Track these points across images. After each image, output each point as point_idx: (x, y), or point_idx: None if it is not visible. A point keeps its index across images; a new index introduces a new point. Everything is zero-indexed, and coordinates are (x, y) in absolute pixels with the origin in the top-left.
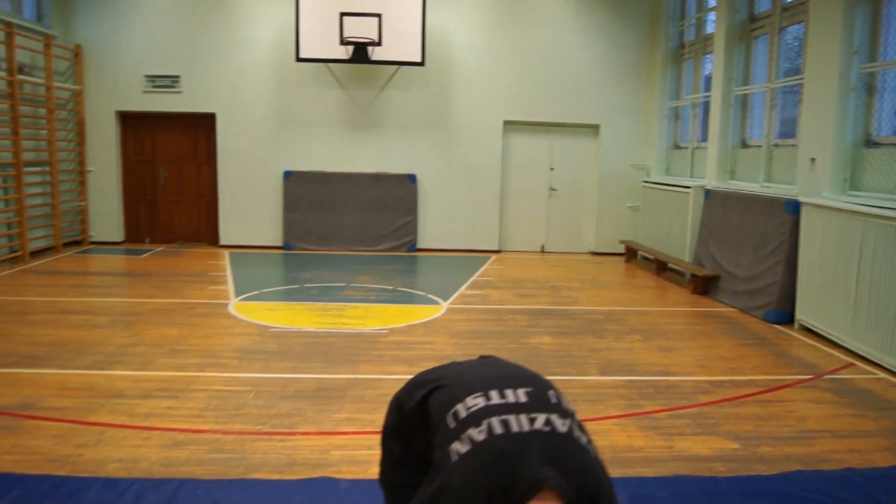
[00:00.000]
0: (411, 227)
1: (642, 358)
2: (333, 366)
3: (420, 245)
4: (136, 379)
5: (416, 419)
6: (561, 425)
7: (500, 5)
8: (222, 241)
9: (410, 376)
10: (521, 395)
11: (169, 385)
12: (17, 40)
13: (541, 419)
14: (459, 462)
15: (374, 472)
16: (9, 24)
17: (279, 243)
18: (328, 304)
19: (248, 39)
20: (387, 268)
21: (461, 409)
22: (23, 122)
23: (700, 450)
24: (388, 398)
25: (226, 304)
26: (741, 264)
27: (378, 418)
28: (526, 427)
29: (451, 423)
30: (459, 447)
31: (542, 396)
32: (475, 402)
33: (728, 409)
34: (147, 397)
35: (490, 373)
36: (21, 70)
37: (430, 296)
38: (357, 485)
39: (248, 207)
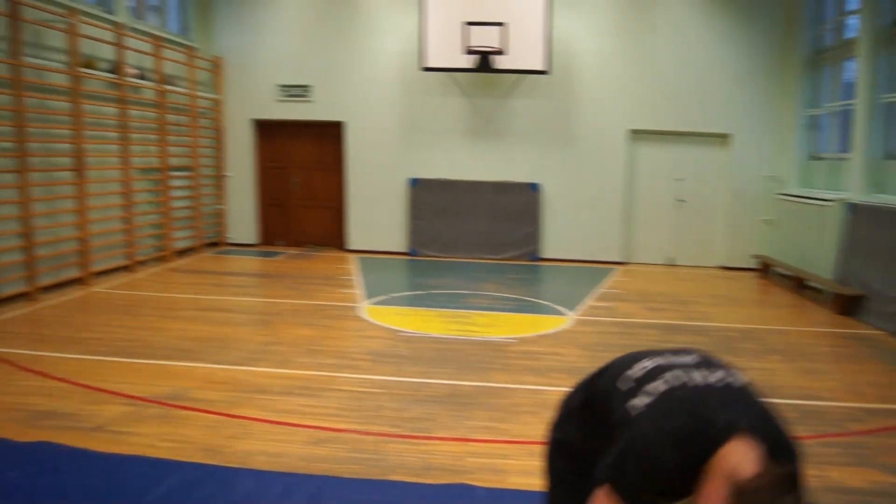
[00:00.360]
0: (534, 236)
1: (784, 380)
2: (464, 373)
3: (542, 254)
4: (277, 376)
5: (580, 416)
6: (738, 381)
7: (626, 12)
8: (349, 246)
9: (541, 387)
10: (691, 358)
11: (307, 384)
12: (164, 52)
13: (716, 375)
14: (645, 412)
15: (511, 481)
16: (157, 38)
17: (404, 249)
18: (455, 311)
19: (375, 50)
20: (510, 276)
21: (633, 372)
22: (168, 130)
23: (855, 482)
24: (520, 408)
25: (356, 308)
26: (892, 284)
27: (511, 428)
28: (703, 381)
29: (625, 386)
30: (640, 401)
31: (711, 360)
32: (646, 364)
33: (884, 439)
34: (288, 394)
35: (653, 350)
36: (170, 81)
37: (555, 306)
38: (494, 493)
39: (375, 213)
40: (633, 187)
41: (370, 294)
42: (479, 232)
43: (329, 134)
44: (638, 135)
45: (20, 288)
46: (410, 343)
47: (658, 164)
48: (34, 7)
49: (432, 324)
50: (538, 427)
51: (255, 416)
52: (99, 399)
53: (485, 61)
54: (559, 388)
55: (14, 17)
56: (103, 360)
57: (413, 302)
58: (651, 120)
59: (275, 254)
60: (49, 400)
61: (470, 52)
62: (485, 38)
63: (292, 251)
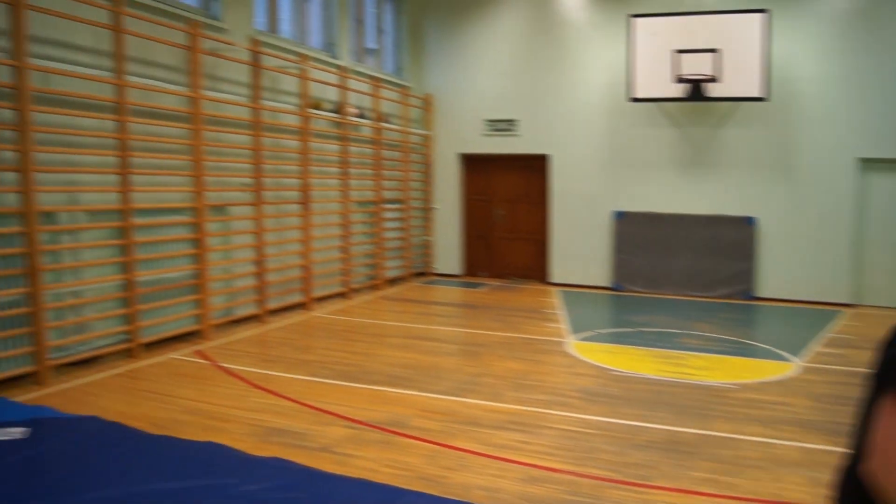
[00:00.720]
0: (748, 273)
1: None
2: (682, 418)
3: (758, 293)
4: (489, 409)
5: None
6: None
7: (853, 29)
8: (552, 279)
9: (770, 440)
10: None
11: (519, 419)
12: (381, 92)
13: None
14: None
15: None
16: (375, 79)
17: (608, 284)
18: (668, 351)
19: (582, 82)
20: (723, 316)
21: None
22: (383, 164)
23: None
24: (747, 461)
25: (563, 343)
26: None
27: (739, 483)
28: None
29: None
30: None
31: None
32: None
33: None
34: (500, 428)
35: None
36: (385, 119)
37: (777, 350)
38: None
39: (578, 247)
40: (864, 221)
41: (576, 329)
42: (688, 268)
43: (534, 167)
44: (869, 164)
45: (252, 310)
46: (622, 383)
47: (894, 196)
48: (272, 55)
49: (644, 364)
50: (770, 485)
51: (470, 449)
52: (324, 420)
53: (696, 90)
54: (791, 443)
55: (255, 66)
56: (325, 383)
57: (621, 339)
58: (885, 147)
59: (478, 285)
60: (279, 417)
61: (681, 80)
62: (697, 66)
63: (495, 283)
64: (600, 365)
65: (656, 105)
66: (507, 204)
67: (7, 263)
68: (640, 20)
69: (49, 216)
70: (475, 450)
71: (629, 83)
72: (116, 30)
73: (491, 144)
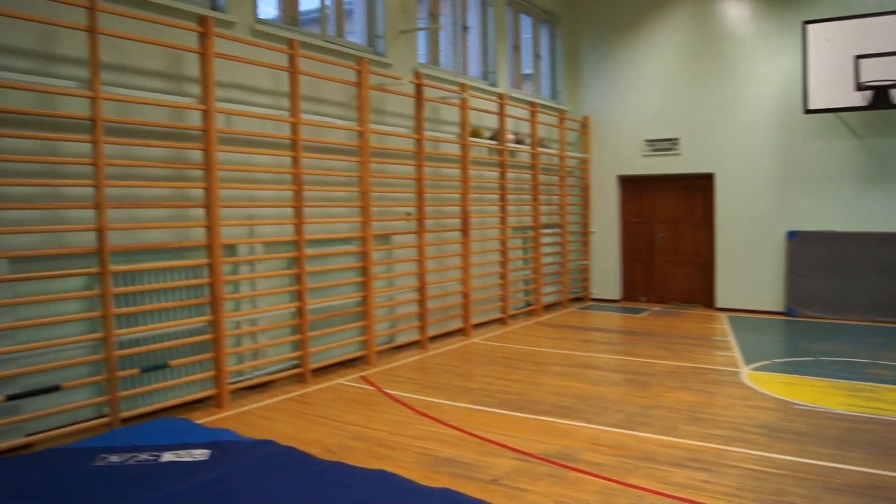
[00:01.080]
0: None
1: None
2: (882, 459)
3: None
4: (663, 444)
5: None
6: None
7: None
8: (718, 304)
9: None
10: None
11: (698, 455)
12: (538, 117)
13: None
14: None
15: None
16: (532, 104)
17: (780, 308)
18: (856, 383)
19: (749, 96)
20: None
21: None
22: (540, 189)
23: None
24: None
25: (737, 373)
26: None
27: None
28: None
29: None
30: None
31: None
32: None
33: None
34: (678, 466)
35: None
36: (542, 144)
37: None
38: None
39: (747, 269)
40: None
41: (749, 358)
42: (872, 291)
43: (697, 186)
44: None
45: (413, 337)
46: (808, 418)
47: None
48: (433, 87)
49: (829, 397)
50: None
51: (647, 487)
52: (491, 451)
53: (881, 96)
54: None
55: (418, 98)
56: (489, 411)
57: (800, 369)
58: None
59: (639, 310)
60: (446, 447)
61: (861, 87)
62: (881, 71)
63: (656, 308)
64: (780, 397)
65: (834, 116)
66: (668, 226)
67: (195, 293)
68: (813, 26)
69: (230, 248)
70: (653, 488)
71: (803, 94)
72: (292, 71)
73: (650, 165)
